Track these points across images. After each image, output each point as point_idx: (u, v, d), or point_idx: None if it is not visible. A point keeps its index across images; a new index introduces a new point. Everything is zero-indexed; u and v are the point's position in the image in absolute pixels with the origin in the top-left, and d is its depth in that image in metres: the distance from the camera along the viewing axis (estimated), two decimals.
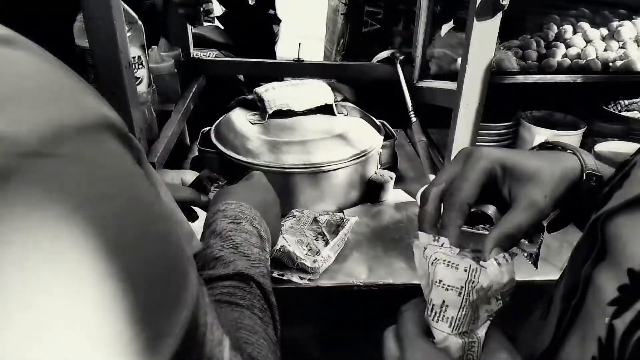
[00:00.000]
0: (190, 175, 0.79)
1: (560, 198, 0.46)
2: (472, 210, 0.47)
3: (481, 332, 0.40)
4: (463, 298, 0.38)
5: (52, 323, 0.20)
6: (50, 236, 0.21)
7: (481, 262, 0.40)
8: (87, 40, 0.79)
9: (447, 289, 0.39)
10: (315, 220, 0.89)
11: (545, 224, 0.50)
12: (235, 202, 0.61)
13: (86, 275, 0.22)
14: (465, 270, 0.39)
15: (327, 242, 0.84)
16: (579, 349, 0.36)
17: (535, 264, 0.47)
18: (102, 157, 0.24)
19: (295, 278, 0.78)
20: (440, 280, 0.39)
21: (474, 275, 0.39)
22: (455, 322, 0.39)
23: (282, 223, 0.86)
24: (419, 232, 0.45)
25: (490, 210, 0.49)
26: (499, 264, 0.40)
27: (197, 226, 0.63)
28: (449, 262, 0.39)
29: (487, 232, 0.44)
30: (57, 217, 0.21)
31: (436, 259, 0.40)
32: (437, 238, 0.43)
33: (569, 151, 0.48)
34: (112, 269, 0.23)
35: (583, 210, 0.46)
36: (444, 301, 0.39)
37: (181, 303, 0.27)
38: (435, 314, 0.39)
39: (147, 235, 0.26)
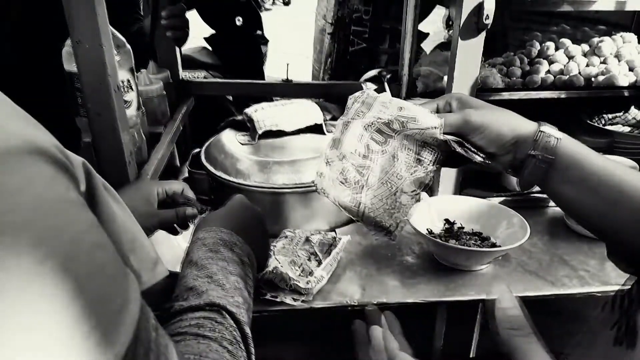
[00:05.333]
0: (176, 185, 0.79)
1: (501, 137, 0.59)
2: None
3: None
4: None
5: None
6: None
7: None
8: (75, 65, 0.79)
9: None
10: (307, 240, 0.88)
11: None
12: (215, 229, 0.60)
13: None
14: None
15: (319, 262, 0.83)
16: None
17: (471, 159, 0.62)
18: (19, 183, 0.24)
19: (288, 299, 0.77)
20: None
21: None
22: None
23: (274, 244, 0.86)
24: None
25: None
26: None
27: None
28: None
29: None
30: None
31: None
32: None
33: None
34: (25, 299, 0.22)
35: (538, 167, 0.57)
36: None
37: (114, 339, 0.26)
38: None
39: (71, 265, 0.25)
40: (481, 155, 0.61)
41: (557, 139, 0.57)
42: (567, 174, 0.57)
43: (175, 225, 0.80)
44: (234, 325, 0.49)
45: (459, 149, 0.61)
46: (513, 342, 0.38)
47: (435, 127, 0.61)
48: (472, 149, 0.61)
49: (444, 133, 0.61)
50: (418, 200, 0.66)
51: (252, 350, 0.49)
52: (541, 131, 0.58)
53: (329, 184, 0.64)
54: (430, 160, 0.63)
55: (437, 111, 0.65)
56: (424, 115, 0.62)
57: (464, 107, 0.62)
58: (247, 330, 0.50)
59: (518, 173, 0.61)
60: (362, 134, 0.64)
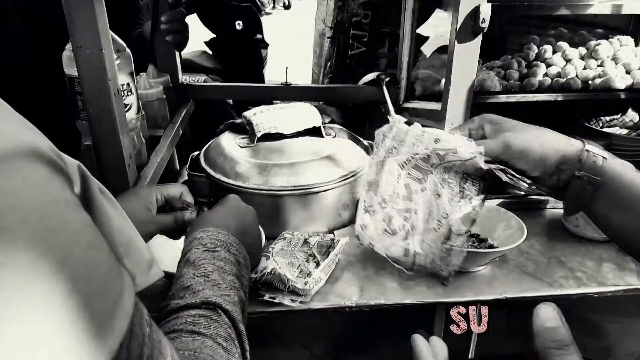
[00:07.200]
0: (174, 189, 0.80)
1: (545, 160, 0.56)
2: None
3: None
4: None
5: None
6: None
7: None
8: (76, 69, 0.80)
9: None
10: (305, 242, 0.89)
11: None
12: (212, 229, 0.60)
13: None
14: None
15: (318, 264, 0.84)
16: None
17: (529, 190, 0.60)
18: (16, 186, 0.25)
19: (286, 301, 0.78)
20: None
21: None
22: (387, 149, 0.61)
23: (272, 245, 0.86)
24: None
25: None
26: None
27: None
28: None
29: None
30: None
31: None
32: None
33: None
34: (21, 297, 0.23)
35: (584, 189, 0.54)
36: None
37: (108, 333, 0.27)
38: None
39: (67, 263, 0.25)
40: (527, 180, 0.58)
41: (604, 158, 0.54)
42: (614, 195, 0.54)
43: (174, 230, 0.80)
44: (229, 323, 0.49)
45: (504, 177, 0.57)
46: (550, 356, 0.39)
47: (476, 157, 0.56)
48: (517, 175, 0.57)
49: (485, 161, 0.57)
50: (468, 240, 0.61)
51: (247, 347, 0.50)
52: (586, 150, 0.55)
53: (375, 236, 0.60)
54: (475, 192, 0.59)
55: (470, 136, 0.61)
56: (462, 145, 0.57)
57: (499, 130, 0.59)
58: (242, 327, 0.51)
59: (562, 196, 0.57)
60: (399, 173, 0.59)
